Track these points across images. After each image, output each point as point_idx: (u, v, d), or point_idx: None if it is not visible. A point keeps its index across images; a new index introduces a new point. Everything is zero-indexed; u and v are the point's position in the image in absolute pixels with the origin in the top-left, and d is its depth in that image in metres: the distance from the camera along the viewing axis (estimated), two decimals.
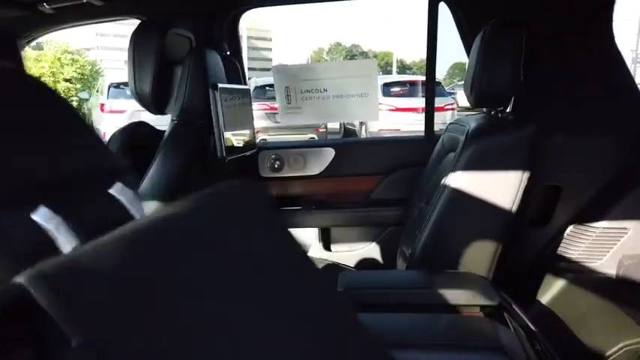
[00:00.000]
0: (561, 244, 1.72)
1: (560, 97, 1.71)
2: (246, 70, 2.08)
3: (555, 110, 1.71)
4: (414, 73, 30.42)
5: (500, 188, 1.20)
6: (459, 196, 1.23)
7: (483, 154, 1.22)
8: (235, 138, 1.59)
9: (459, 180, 1.23)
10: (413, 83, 10.13)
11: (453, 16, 1.79)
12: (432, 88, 1.99)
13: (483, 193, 1.21)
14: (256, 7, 1.91)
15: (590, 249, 1.67)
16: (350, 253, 1.99)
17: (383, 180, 1.98)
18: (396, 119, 8.85)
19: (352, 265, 1.97)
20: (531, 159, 1.21)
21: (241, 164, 1.80)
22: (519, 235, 1.69)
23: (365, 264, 1.96)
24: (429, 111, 2.00)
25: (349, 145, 2.08)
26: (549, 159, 1.72)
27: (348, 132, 11.04)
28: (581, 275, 1.67)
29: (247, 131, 1.72)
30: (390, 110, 9.20)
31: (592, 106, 1.70)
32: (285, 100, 2.02)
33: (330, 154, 1.99)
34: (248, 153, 1.75)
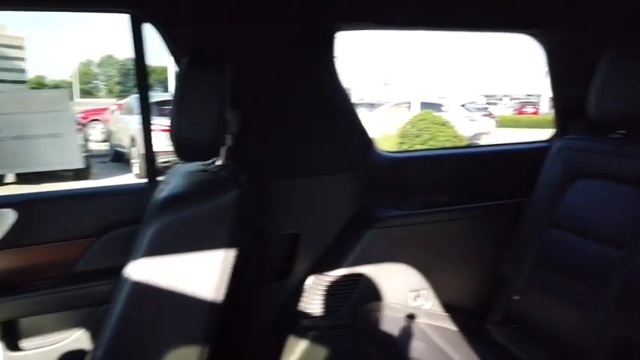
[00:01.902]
0: (302, 299, 1.56)
1: (290, 138, 1.55)
2: None
3: (285, 153, 1.56)
4: None
5: (199, 275, 0.91)
6: (143, 289, 0.89)
7: (171, 233, 0.91)
8: None
9: (142, 269, 0.90)
10: None
11: (164, 41, 1.48)
12: (147, 120, 1.62)
13: (176, 284, 0.90)
14: None
15: (329, 301, 1.54)
16: (49, 348, 1.47)
17: (92, 245, 1.52)
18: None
19: None
20: (237, 231, 0.95)
21: None
22: (255, 294, 1.46)
23: (71, 358, 1.47)
24: (149, 151, 1.63)
25: (39, 201, 1.55)
26: (285, 205, 1.55)
27: (117, 155, 9.92)
28: (323, 332, 1.53)
29: None
30: (162, 130, 8.54)
31: (323, 145, 1.60)
32: None
33: (8, 216, 1.44)
34: None
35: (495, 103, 29.05)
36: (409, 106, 13.16)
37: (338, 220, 1.62)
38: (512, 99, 35.70)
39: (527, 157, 1.78)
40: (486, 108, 19.09)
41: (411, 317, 1.56)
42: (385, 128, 11.47)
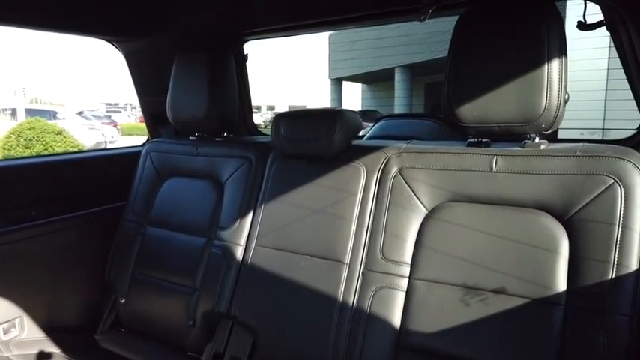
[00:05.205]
0: None
1: None
2: None
3: None
4: None
5: None
6: None
7: None
8: None
9: None
10: None
11: None
12: None
13: None
14: None
15: None
16: None
17: None
18: None
19: None
20: None
21: None
22: None
23: None
24: None
25: None
26: None
27: None
28: None
29: None
30: None
31: None
32: None
33: None
34: None
35: (120, 111, 28.62)
36: (13, 113, 11.30)
37: None
38: (133, 107, 36.04)
39: (125, 162, 1.81)
40: (109, 116, 18.57)
41: (2, 352, 1.34)
42: None
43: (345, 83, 19.01)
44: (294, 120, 1.37)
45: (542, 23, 1.01)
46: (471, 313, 1.01)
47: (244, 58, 1.87)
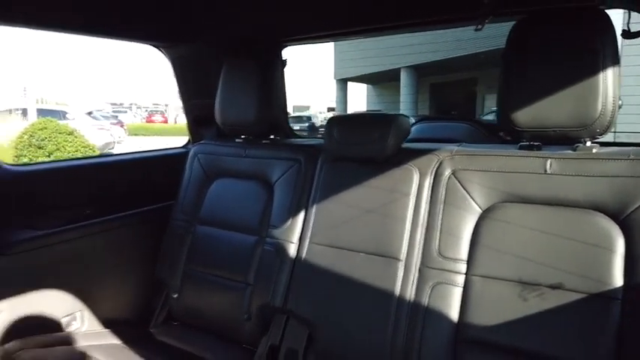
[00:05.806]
0: None
1: None
2: None
3: None
4: None
5: None
6: None
7: None
8: None
9: None
10: None
11: None
12: None
13: None
14: None
15: None
16: None
17: None
18: None
19: None
20: None
21: None
22: None
23: None
24: None
25: None
26: None
27: None
28: None
29: None
30: None
31: None
32: None
33: None
34: None
35: (125, 111, 28.75)
36: (24, 113, 11.37)
37: None
38: (138, 107, 36.16)
39: (168, 163, 1.87)
40: (116, 116, 18.67)
41: (68, 344, 1.41)
42: None
43: (350, 84, 19.08)
44: (347, 123, 1.43)
45: (597, 32, 1.07)
46: (528, 308, 1.07)
47: (283, 63, 1.93)
